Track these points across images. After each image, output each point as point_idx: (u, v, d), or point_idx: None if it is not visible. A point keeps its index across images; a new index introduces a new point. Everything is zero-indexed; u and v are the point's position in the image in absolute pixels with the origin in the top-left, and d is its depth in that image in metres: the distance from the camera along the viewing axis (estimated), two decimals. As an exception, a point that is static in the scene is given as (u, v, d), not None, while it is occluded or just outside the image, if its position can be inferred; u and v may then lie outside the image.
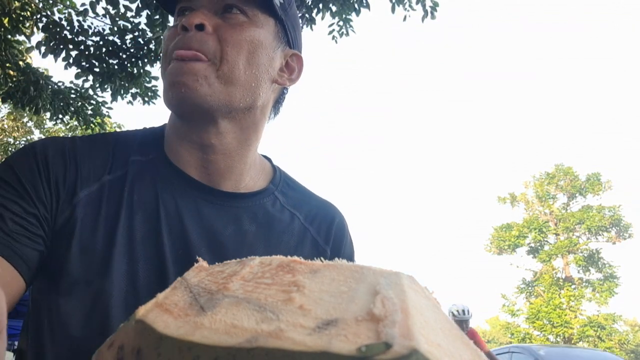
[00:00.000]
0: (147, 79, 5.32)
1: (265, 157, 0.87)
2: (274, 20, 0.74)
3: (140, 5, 4.42)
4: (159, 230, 0.68)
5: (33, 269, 0.61)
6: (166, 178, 0.72)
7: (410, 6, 4.83)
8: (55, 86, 5.53)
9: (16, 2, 4.82)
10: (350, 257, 0.87)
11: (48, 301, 0.63)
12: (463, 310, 5.06)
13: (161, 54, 0.75)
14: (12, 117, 13.30)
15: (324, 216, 0.85)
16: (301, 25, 0.86)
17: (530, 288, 21.46)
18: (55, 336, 0.61)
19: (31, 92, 5.17)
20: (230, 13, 0.70)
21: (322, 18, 4.86)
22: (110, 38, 4.88)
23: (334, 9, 4.85)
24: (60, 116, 5.68)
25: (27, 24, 4.99)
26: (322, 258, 0.38)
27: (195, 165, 0.73)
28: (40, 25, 4.88)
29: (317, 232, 0.82)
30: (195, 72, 0.65)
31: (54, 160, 0.66)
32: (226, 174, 0.75)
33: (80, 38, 4.88)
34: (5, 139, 13.56)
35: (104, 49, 4.89)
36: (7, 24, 4.85)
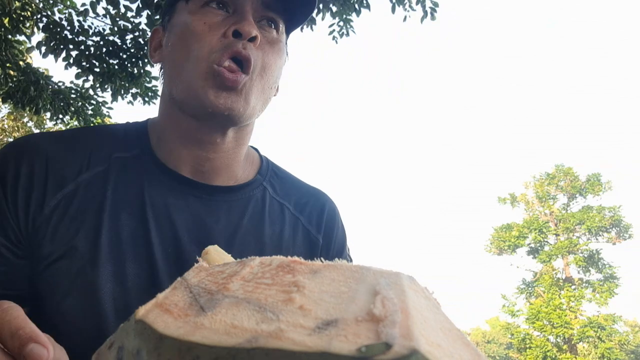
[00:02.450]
0: (148, 79, 5.32)
1: (252, 147, 0.86)
2: (286, 36, 0.77)
3: (140, 5, 4.41)
4: (146, 229, 0.67)
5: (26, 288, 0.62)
6: (153, 175, 0.71)
7: (410, 7, 4.82)
8: (56, 86, 5.52)
9: (16, 2, 4.81)
10: (342, 245, 0.86)
11: (37, 306, 0.62)
12: None
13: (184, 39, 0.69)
14: (12, 117, 13.29)
15: (314, 204, 0.84)
16: None
17: (530, 288, 21.43)
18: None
19: (31, 92, 5.16)
20: (267, 26, 0.72)
21: (323, 18, 4.86)
22: (111, 38, 4.88)
23: (334, 9, 4.85)
24: (61, 116, 5.67)
25: (28, 24, 4.99)
26: (321, 259, 0.38)
27: (190, 163, 0.72)
28: (41, 25, 4.88)
29: (309, 221, 0.82)
30: (243, 93, 0.66)
31: (16, 179, 0.64)
32: (221, 171, 0.75)
33: (81, 38, 4.88)
34: (5, 139, 13.56)
35: (104, 49, 4.88)
36: (7, 24, 4.85)
